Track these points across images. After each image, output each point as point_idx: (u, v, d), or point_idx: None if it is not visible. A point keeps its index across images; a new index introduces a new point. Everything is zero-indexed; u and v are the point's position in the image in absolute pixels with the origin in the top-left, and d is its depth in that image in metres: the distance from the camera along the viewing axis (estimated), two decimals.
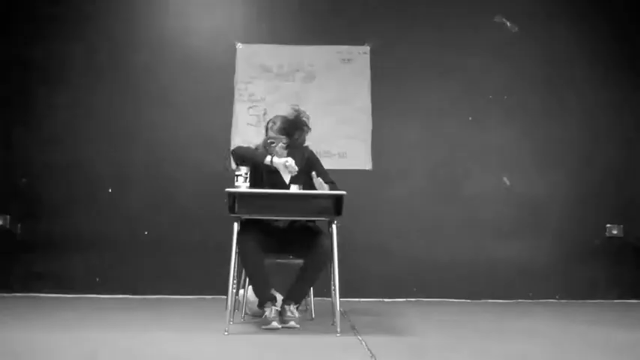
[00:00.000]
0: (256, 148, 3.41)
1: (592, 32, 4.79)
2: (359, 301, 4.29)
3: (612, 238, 4.59)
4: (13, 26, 4.61)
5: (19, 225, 4.44)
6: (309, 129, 3.39)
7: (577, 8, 4.81)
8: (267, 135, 3.39)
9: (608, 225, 4.60)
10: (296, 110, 3.40)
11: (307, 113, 3.42)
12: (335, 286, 3.02)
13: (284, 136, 3.31)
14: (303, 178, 3.28)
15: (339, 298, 3.01)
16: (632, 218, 4.63)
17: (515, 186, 4.63)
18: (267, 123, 3.42)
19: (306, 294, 3.35)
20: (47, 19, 4.61)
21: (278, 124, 3.33)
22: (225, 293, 3.10)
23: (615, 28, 4.79)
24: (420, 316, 3.70)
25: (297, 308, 3.20)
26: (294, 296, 3.21)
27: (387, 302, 4.35)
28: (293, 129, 3.32)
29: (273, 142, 3.34)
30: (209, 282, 4.23)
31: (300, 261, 3.29)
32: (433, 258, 4.50)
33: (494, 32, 4.76)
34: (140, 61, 4.63)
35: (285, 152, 3.33)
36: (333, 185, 3.29)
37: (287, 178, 3.36)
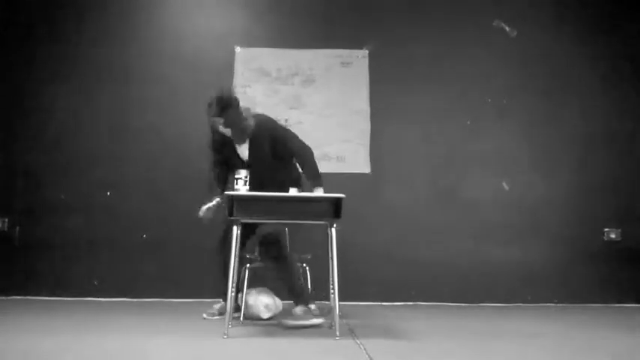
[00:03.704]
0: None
1: (591, 35, 4.80)
2: (358, 305, 4.28)
3: (610, 241, 4.60)
4: (12, 28, 4.61)
5: (17, 228, 4.44)
6: (238, 100, 3.41)
7: (576, 12, 4.83)
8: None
9: (606, 229, 4.61)
10: (219, 91, 3.41)
11: (232, 88, 3.66)
12: (334, 290, 3.02)
13: (220, 118, 3.36)
14: (265, 155, 3.43)
15: (338, 301, 3.01)
16: (630, 222, 4.63)
17: (513, 190, 4.64)
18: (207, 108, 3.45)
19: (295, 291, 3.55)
20: (46, 21, 4.62)
21: (211, 109, 3.36)
22: (225, 297, 3.09)
23: (614, 31, 4.81)
24: (419, 320, 3.69)
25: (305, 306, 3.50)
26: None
27: (386, 306, 4.35)
28: (222, 110, 3.34)
29: (214, 127, 3.43)
30: (208, 285, 4.22)
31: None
32: (432, 261, 4.50)
33: (493, 36, 4.77)
34: (139, 64, 4.63)
35: (229, 130, 3.42)
36: (304, 153, 3.43)
37: (244, 156, 3.49)
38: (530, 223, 4.60)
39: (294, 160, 3.51)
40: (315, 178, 3.34)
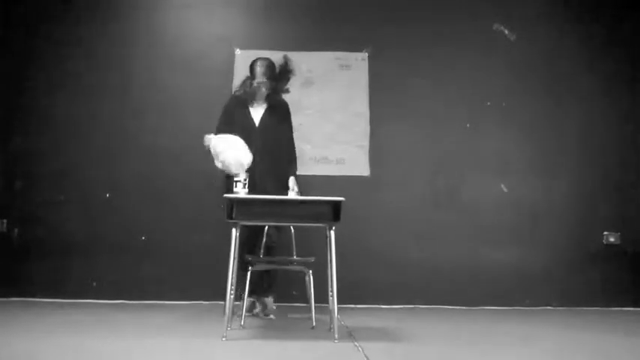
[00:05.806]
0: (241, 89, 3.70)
1: (591, 39, 4.81)
2: (356, 308, 4.29)
3: (609, 245, 4.60)
4: (12, 30, 4.61)
5: (16, 229, 4.43)
6: (294, 75, 3.70)
7: (576, 15, 4.83)
8: (252, 75, 3.62)
9: (605, 232, 4.62)
10: (285, 57, 3.65)
11: (293, 62, 3.68)
12: (333, 293, 3.02)
13: (269, 81, 3.55)
14: (275, 127, 3.67)
15: (337, 304, 3.01)
16: (629, 226, 4.64)
17: (512, 192, 4.64)
18: (255, 62, 3.62)
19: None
20: (46, 23, 4.62)
21: (264, 69, 3.54)
22: (223, 299, 3.09)
23: (614, 34, 4.81)
24: (417, 323, 3.70)
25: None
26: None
27: (385, 309, 4.35)
28: (280, 77, 3.58)
29: (259, 86, 3.54)
30: (207, 287, 4.22)
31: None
32: (430, 264, 4.51)
33: (492, 39, 4.77)
34: (139, 67, 4.64)
35: (265, 95, 3.62)
36: (293, 165, 3.74)
37: (257, 120, 3.65)
38: (530, 225, 4.61)
39: (285, 148, 3.74)
40: (294, 170, 3.74)
